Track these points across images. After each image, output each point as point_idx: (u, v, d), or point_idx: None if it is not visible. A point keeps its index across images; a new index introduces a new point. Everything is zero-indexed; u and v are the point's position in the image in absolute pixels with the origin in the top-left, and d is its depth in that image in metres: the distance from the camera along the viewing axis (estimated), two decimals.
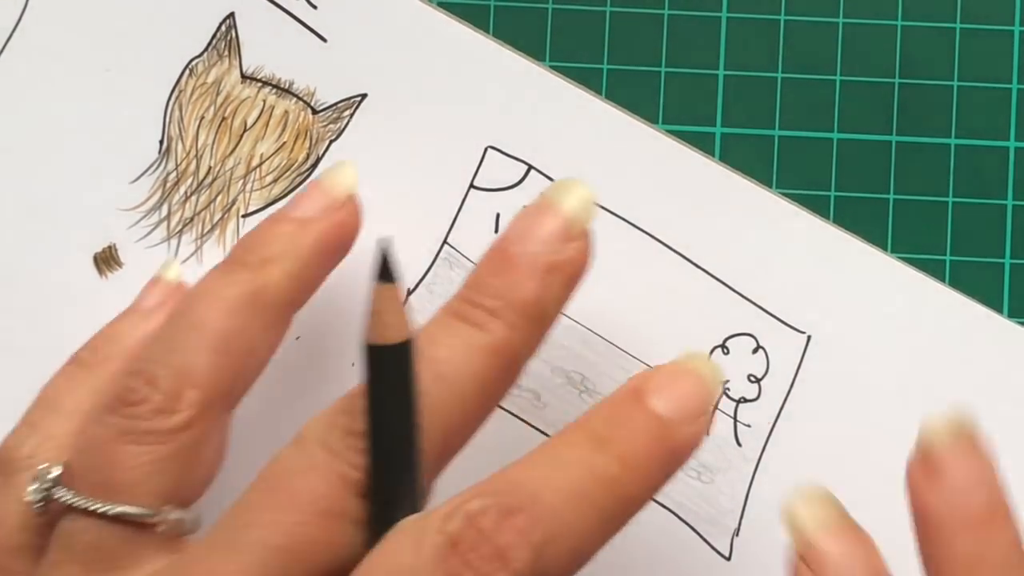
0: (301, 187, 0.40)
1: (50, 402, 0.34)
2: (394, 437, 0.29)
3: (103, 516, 0.30)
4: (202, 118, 0.40)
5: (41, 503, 0.31)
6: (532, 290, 0.32)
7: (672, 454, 0.31)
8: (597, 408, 0.31)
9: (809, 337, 0.39)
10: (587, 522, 0.29)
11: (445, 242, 0.39)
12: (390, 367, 0.29)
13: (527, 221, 0.33)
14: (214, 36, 0.40)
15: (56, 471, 0.32)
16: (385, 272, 0.29)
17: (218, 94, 0.40)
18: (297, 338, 0.39)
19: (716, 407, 0.31)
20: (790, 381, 0.39)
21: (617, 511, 0.30)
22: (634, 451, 0.30)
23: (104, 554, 0.30)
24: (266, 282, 0.33)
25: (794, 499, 0.32)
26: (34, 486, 0.32)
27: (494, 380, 0.32)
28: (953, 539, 0.31)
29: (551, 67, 0.40)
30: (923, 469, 0.32)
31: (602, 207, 0.40)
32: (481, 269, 0.32)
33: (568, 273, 0.33)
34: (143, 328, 0.35)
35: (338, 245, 0.35)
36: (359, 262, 0.39)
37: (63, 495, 0.31)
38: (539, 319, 0.32)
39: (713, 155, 0.40)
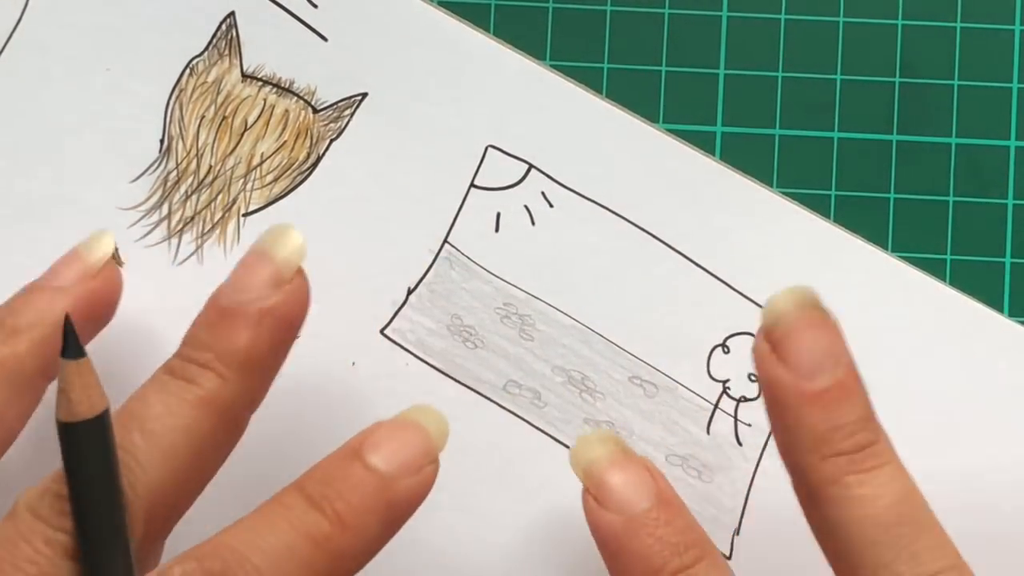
0: (301, 185, 0.40)
1: None
2: (97, 511, 0.29)
3: None
4: (203, 117, 0.40)
5: None
6: (244, 339, 0.32)
7: (391, 508, 0.31)
8: (314, 468, 0.31)
9: None
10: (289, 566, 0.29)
11: (446, 241, 0.39)
12: (84, 442, 0.29)
13: (240, 272, 0.33)
14: (215, 35, 0.40)
15: None
16: (70, 348, 0.29)
17: (219, 93, 0.40)
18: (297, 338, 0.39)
19: (436, 464, 0.32)
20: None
21: (332, 568, 0.30)
22: (349, 507, 0.30)
23: None
24: (13, 352, 0.33)
25: (577, 443, 0.33)
26: None
27: (207, 433, 0.31)
28: (801, 412, 0.31)
29: (551, 67, 0.40)
30: (769, 342, 0.31)
31: (602, 207, 0.40)
32: (195, 324, 0.33)
33: (280, 317, 0.33)
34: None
35: (92, 312, 0.35)
36: (361, 263, 0.39)
37: None
38: (252, 367, 0.32)
39: (713, 155, 0.40)
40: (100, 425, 0.29)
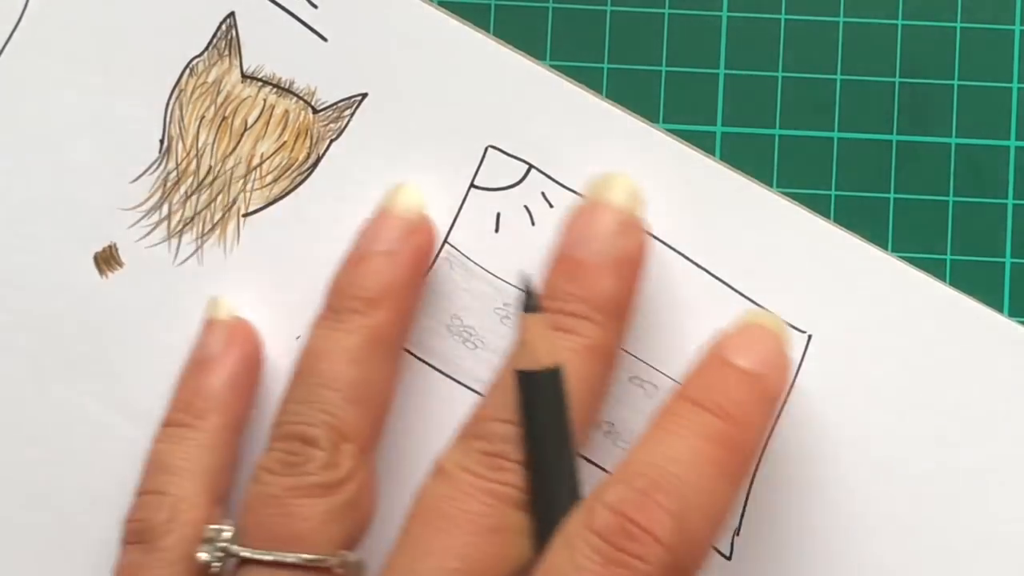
0: (302, 186, 0.40)
1: (164, 466, 0.36)
2: (555, 454, 0.31)
3: (284, 565, 0.32)
4: (202, 117, 0.40)
5: (219, 562, 0.33)
6: (608, 288, 0.34)
7: (768, 400, 0.34)
8: (688, 379, 0.34)
9: (809, 337, 0.39)
10: (713, 481, 0.32)
11: (446, 241, 0.39)
12: (545, 391, 0.31)
13: (583, 223, 0.36)
14: (214, 35, 0.40)
15: (228, 531, 0.34)
16: (531, 303, 0.32)
17: (218, 93, 0.40)
18: (297, 338, 0.39)
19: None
20: (790, 381, 0.39)
21: (736, 463, 0.33)
22: (735, 405, 0.33)
23: None
24: (379, 323, 0.35)
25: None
26: (207, 547, 0.34)
27: (598, 376, 0.34)
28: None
29: (551, 67, 0.40)
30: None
31: None
32: (554, 278, 0.35)
33: (634, 262, 0.35)
34: (223, 375, 0.37)
35: (424, 267, 0.37)
36: None
37: (242, 551, 0.33)
38: (620, 312, 0.35)
39: (713, 155, 0.40)
40: (558, 375, 0.32)
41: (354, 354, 0.35)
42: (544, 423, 0.31)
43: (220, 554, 0.33)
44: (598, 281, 0.34)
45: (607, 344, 0.35)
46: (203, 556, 0.33)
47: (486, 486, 0.32)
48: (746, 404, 0.33)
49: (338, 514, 0.33)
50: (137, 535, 0.35)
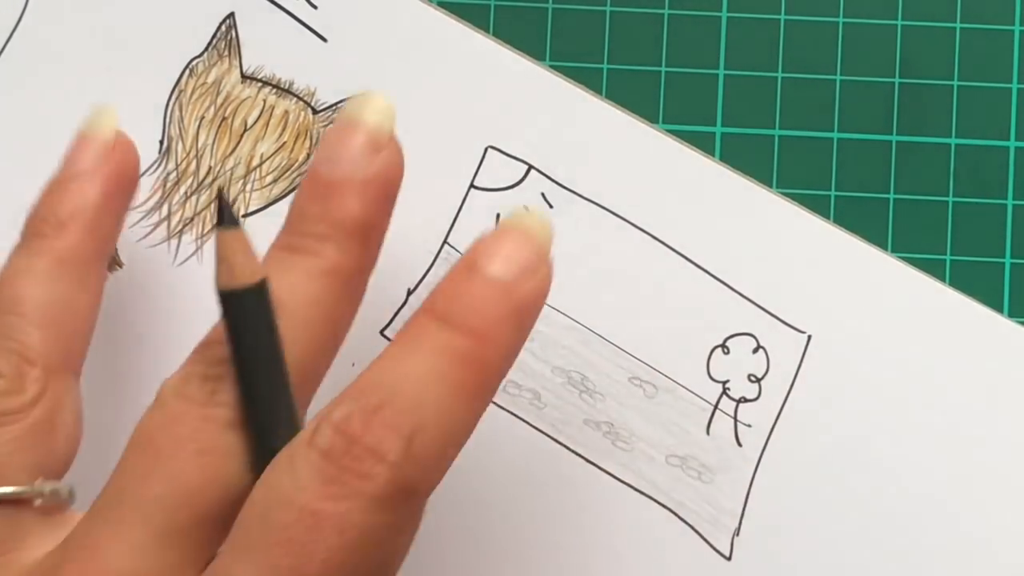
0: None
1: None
2: (263, 377, 0.29)
3: None
4: (202, 118, 0.40)
5: None
6: (354, 208, 0.32)
7: (520, 312, 0.31)
8: (436, 289, 0.31)
9: (809, 337, 0.39)
10: (451, 400, 0.29)
11: (445, 242, 0.39)
12: (249, 309, 0.29)
13: (333, 142, 0.33)
14: (214, 36, 0.40)
15: None
16: (225, 217, 0.29)
17: (218, 94, 0.40)
18: None
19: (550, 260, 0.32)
20: (790, 381, 0.39)
21: (479, 383, 0.30)
22: (481, 318, 0.30)
23: None
24: (68, 245, 0.34)
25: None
26: None
27: (336, 302, 0.32)
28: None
29: (551, 67, 0.40)
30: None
31: (602, 207, 0.40)
32: (300, 199, 0.33)
33: (384, 182, 0.33)
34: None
35: (121, 186, 0.36)
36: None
37: None
38: (367, 234, 0.32)
39: (713, 155, 0.40)
40: (262, 291, 0.29)
41: (39, 276, 0.33)
42: (250, 343, 0.29)
43: None
44: (344, 202, 0.32)
45: (349, 267, 0.32)
46: None
47: (198, 411, 0.30)
48: (496, 320, 0.30)
49: (26, 442, 0.31)
50: None
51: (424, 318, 0.30)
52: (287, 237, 0.32)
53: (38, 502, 0.31)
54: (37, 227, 0.34)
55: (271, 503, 0.28)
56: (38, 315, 0.33)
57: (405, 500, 0.28)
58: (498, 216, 0.40)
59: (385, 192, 0.33)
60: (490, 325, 0.30)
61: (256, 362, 0.29)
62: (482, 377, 0.30)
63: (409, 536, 0.30)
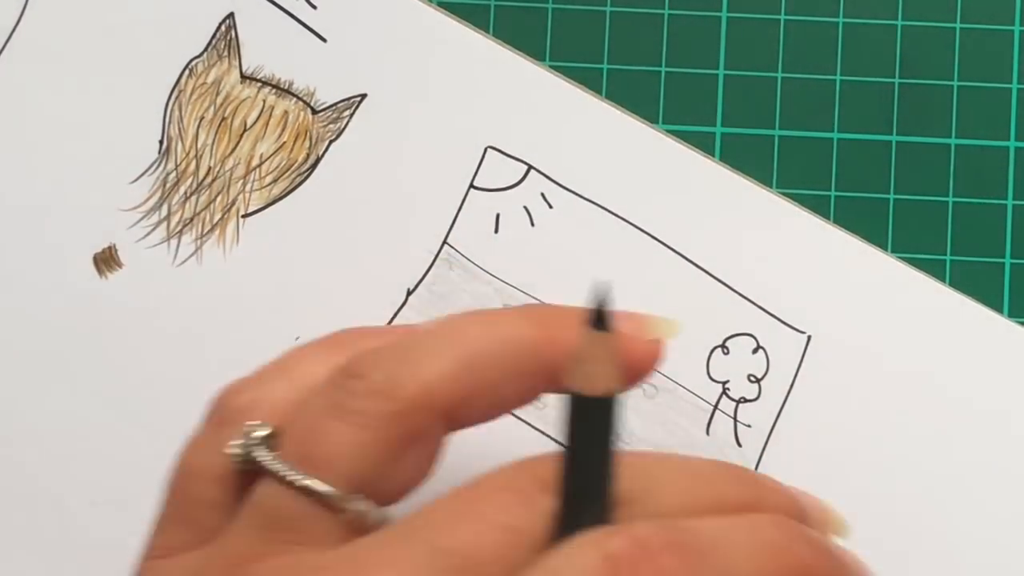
0: (301, 186, 0.40)
1: (286, 366, 0.33)
2: (590, 481, 0.28)
3: (292, 486, 0.29)
4: (202, 118, 0.40)
5: (239, 460, 0.30)
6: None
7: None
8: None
9: (809, 337, 0.39)
10: None
11: (445, 242, 0.39)
12: (592, 418, 0.28)
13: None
14: (214, 36, 0.40)
15: (263, 431, 0.30)
16: (599, 319, 0.28)
17: (218, 94, 0.40)
18: (297, 338, 0.39)
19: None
20: (790, 381, 0.39)
21: None
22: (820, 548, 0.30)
23: (283, 524, 0.29)
24: (545, 335, 0.32)
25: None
26: (238, 441, 0.30)
27: None
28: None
29: (551, 67, 0.40)
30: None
31: (602, 207, 0.40)
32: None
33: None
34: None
35: (629, 370, 0.33)
36: (360, 264, 0.39)
37: (262, 456, 0.30)
38: None
39: (713, 155, 0.40)
40: (610, 406, 0.28)
41: (502, 333, 0.32)
42: (588, 448, 0.28)
43: (244, 452, 0.30)
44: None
45: None
46: (231, 448, 0.31)
47: (527, 493, 0.28)
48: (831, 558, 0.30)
49: (365, 451, 0.30)
50: (210, 411, 0.32)
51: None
52: None
53: (346, 515, 0.29)
54: (529, 311, 0.33)
55: None
56: (467, 354, 0.31)
57: None
58: (498, 216, 0.40)
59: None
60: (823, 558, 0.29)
61: (587, 467, 0.28)
62: None
63: None
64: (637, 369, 0.33)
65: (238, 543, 0.29)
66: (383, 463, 0.30)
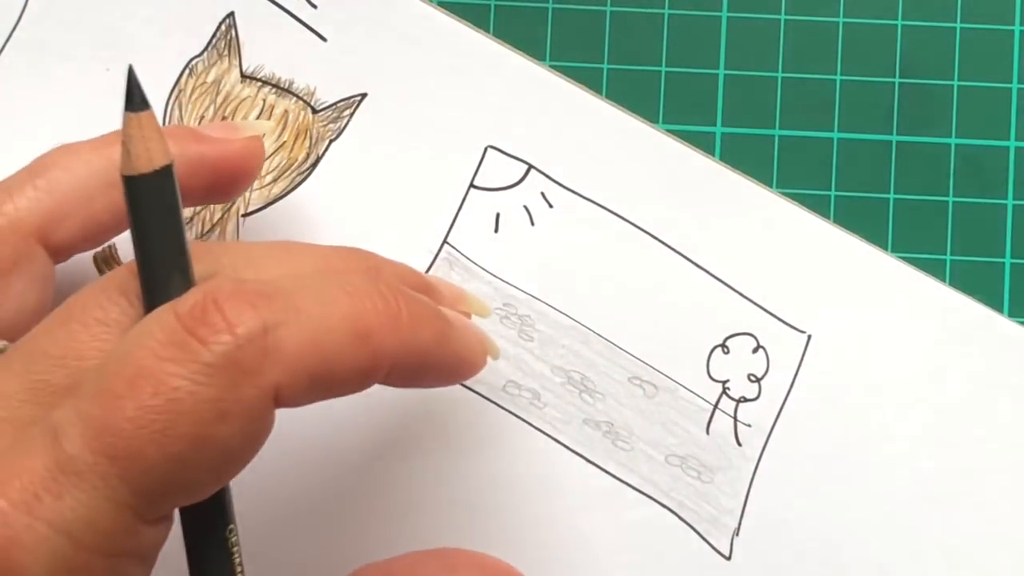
0: (301, 186, 0.40)
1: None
2: (162, 255, 0.29)
3: None
4: (202, 118, 0.40)
5: None
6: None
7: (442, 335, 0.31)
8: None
9: (809, 337, 0.39)
10: (338, 328, 0.28)
11: (445, 241, 0.39)
12: (147, 197, 0.29)
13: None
14: (214, 35, 0.40)
15: None
16: (134, 99, 0.28)
17: (218, 94, 0.40)
18: None
19: None
20: (790, 381, 0.39)
21: (378, 331, 0.29)
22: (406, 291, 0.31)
23: None
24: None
25: None
26: None
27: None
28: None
29: (551, 67, 0.40)
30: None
31: (602, 207, 0.40)
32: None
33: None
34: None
35: (224, 170, 0.35)
36: None
37: None
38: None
39: (713, 155, 0.40)
40: (163, 181, 0.28)
41: (80, 152, 0.34)
42: (151, 225, 0.29)
43: None
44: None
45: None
46: None
47: (115, 291, 0.29)
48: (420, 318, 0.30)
49: None
50: None
51: (356, 262, 0.31)
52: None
53: None
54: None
55: (112, 356, 0.27)
56: (46, 178, 0.33)
57: (235, 379, 0.27)
58: (498, 216, 0.40)
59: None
60: (412, 309, 0.30)
61: (155, 240, 0.29)
62: (386, 334, 0.29)
63: (236, 429, 0.27)
64: (240, 170, 0.35)
65: None
66: None
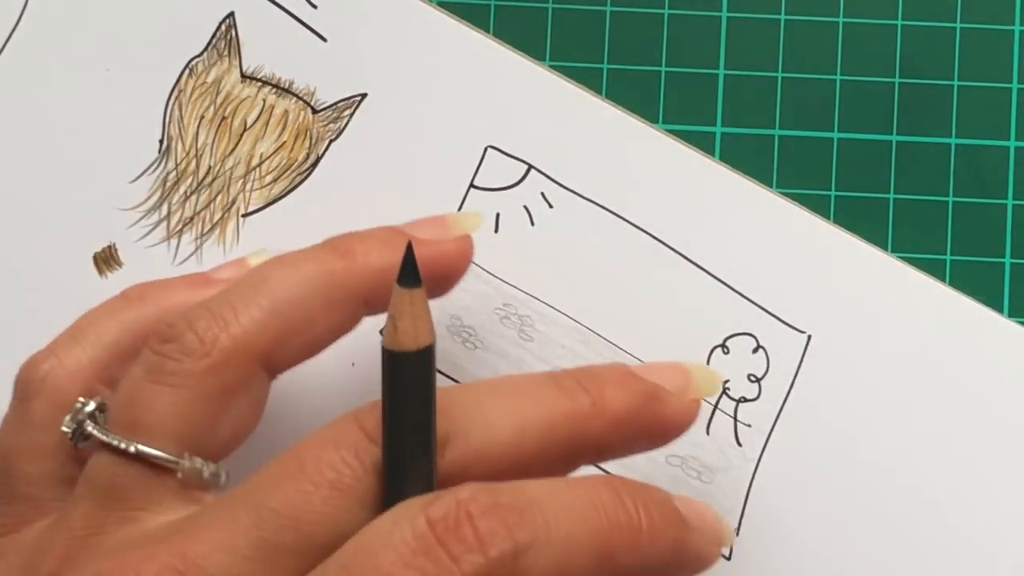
0: (301, 186, 0.40)
1: (78, 331, 0.34)
2: (409, 434, 0.29)
3: (124, 454, 0.30)
4: (202, 118, 0.40)
5: (72, 436, 0.31)
6: (632, 400, 0.32)
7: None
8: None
9: (809, 337, 0.39)
10: (586, 547, 0.28)
11: None
12: (404, 373, 0.29)
13: (654, 364, 0.34)
14: (214, 36, 0.40)
15: (92, 405, 0.32)
16: (407, 275, 0.28)
17: (218, 94, 0.40)
18: None
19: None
20: (790, 381, 0.39)
21: (620, 549, 0.29)
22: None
23: (120, 493, 0.30)
24: (348, 265, 0.33)
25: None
26: (69, 416, 0.32)
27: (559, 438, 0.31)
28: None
29: (551, 67, 0.40)
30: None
31: (602, 207, 0.40)
32: (595, 366, 0.33)
33: (666, 412, 0.33)
34: (201, 293, 0.34)
35: (436, 270, 0.35)
36: None
37: (92, 429, 0.31)
38: (622, 426, 0.32)
39: (713, 155, 0.40)
40: (423, 360, 0.29)
41: (303, 275, 0.33)
42: (402, 407, 0.29)
43: (75, 427, 0.31)
44: (626, 389, 0.32)
45: (590, 429, 0.32)
46: (64, 428, 0.32)
47: (361, 443, 0.29)
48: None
49: (187, 409, 0.30)
50: (15, 390, 0.33)
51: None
52: (557, 373, 0.32)
53: (180, 475, 0.30)
54: (331, 241, 0.34)
55: (356, 552, 0.27)
56: (273, 300, 0.32)
57: None
58: (498, 216, 0.40)
59: (664, 421, 0.33)
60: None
61: (407, 419, 0.29)
62: (627, 551, 0.29)
63: None
64: (452, 269, 0.35)
65: (77, 516, 0.30)
66: (208, 418, 0.31)
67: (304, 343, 0.33)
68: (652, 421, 0.32)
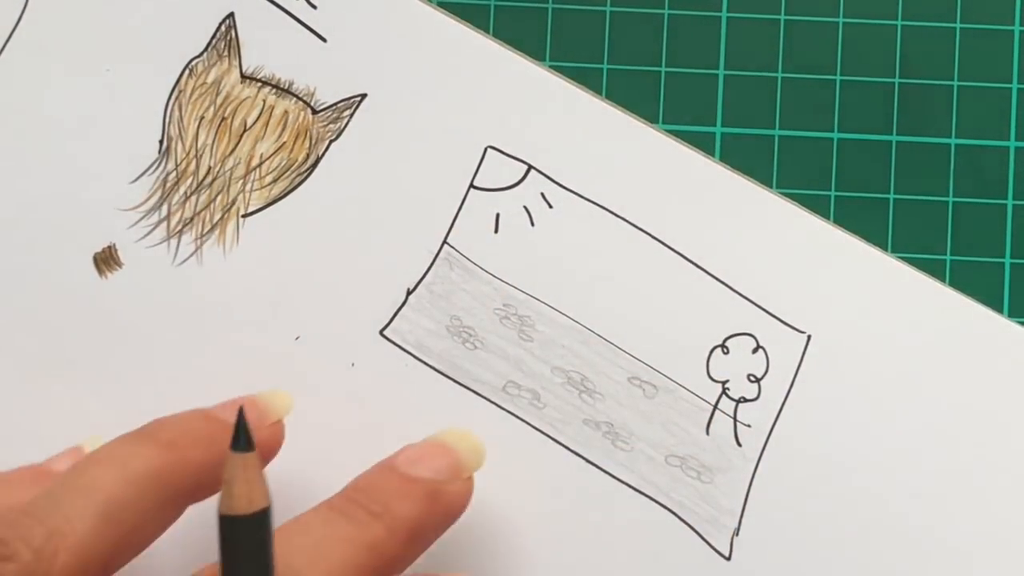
0: (301, 186, 0.40)
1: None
2: None
3: None
4: (202, 118, 0.40)
5: None
6: (416, 507, 0.33)
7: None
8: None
9: (809, 337, 0.39)
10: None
11: (445, 242, 0.39)
12: (241, 537, 0.29)
13: (420, 450, 0.35)
14: (214, 36, 0.40)
15: None
16: (240, 440, 0.29)
17: (218, 94, 0.40)
18: (297, 338, 0.39)
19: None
20: (790, 381, 0.39)
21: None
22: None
23: None
24: (175, 460, 0.32)
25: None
26: None
27: (366, 570, 0.32)
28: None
29: (551, 67, 0.40)
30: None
31: (602, 207, 0.40)
32: (370, 476, 0.34)
33: (448, 505, 0.34)
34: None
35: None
36: (360, 264, 0.39)
37: None
38: (415, 538, 0.34)
39: (713, 155, 0.40)
40: (258, 523, 0.29)
41: (132, 474, 0.32)
42: (241, 571, 0.29)
43: None
44: (409, 497, 0.34)
45: (388, 553, 0.33)
46: None
47: None
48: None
49: None
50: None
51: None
52: (342, 501, 0.33)
53: None
54: (153, 431, 0.33)
55: None
56: (106, 507, 0.31)
57: None
58: (498, 216, 0.40)
59: (445, 513, 0.34)
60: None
61: None
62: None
63: None
64: (265, 454, 0.34)
65: None
66: None
67: (139, 543, 0.32)
68: (440, 520, 0.34)
